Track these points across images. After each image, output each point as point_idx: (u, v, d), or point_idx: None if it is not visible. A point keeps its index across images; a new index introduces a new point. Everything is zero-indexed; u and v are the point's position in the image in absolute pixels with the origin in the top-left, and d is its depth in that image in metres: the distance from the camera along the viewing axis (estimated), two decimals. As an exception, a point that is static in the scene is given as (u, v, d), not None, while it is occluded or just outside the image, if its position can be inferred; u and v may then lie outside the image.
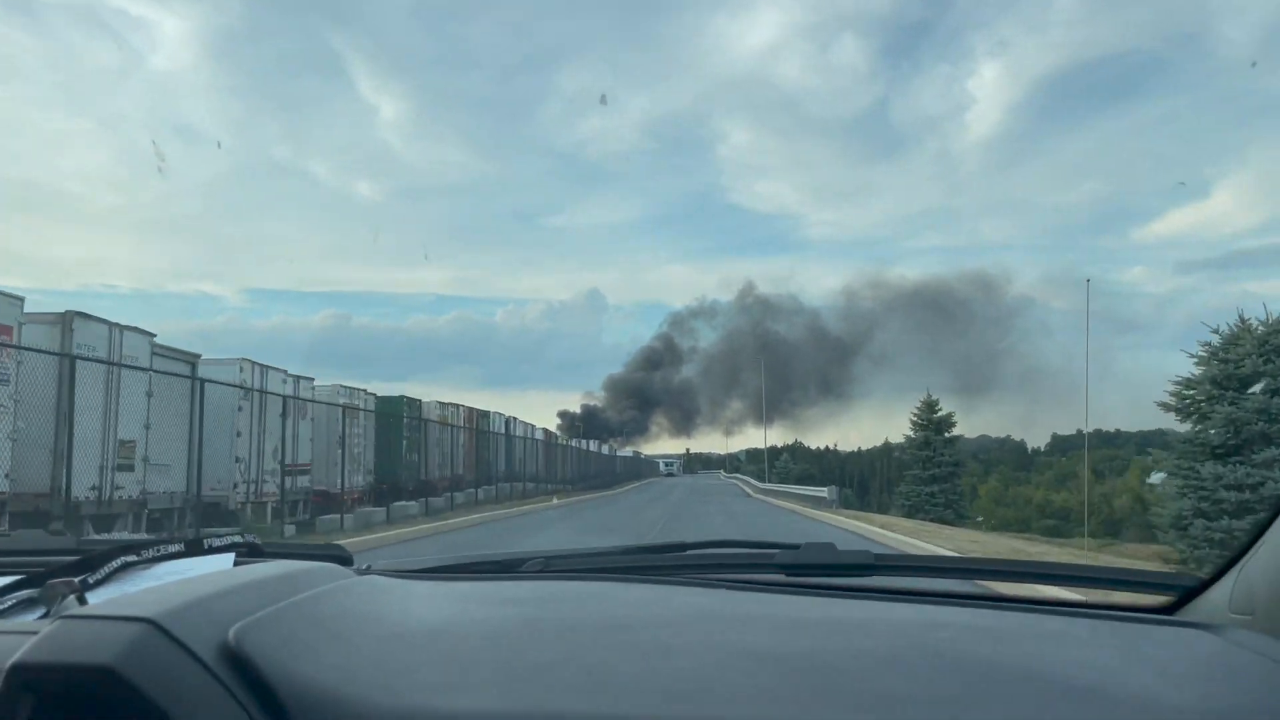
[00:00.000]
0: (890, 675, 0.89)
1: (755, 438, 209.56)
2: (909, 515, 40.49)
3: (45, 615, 1.00)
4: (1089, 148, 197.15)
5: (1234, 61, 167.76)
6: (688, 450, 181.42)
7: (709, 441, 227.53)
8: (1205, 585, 1.27)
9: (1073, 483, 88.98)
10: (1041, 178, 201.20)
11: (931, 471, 46.94)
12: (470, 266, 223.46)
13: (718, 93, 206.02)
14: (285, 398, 21.33)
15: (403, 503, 27.38)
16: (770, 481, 64.16)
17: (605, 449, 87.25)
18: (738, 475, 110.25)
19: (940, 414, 48.77)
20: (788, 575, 1.39)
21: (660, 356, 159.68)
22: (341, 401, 25.28)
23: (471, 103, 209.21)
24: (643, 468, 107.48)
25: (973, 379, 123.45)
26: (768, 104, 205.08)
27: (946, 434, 48.36)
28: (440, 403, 34.81)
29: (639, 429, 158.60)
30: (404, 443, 30.37)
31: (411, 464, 30.93)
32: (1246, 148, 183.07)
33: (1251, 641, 1.02)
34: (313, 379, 23.93)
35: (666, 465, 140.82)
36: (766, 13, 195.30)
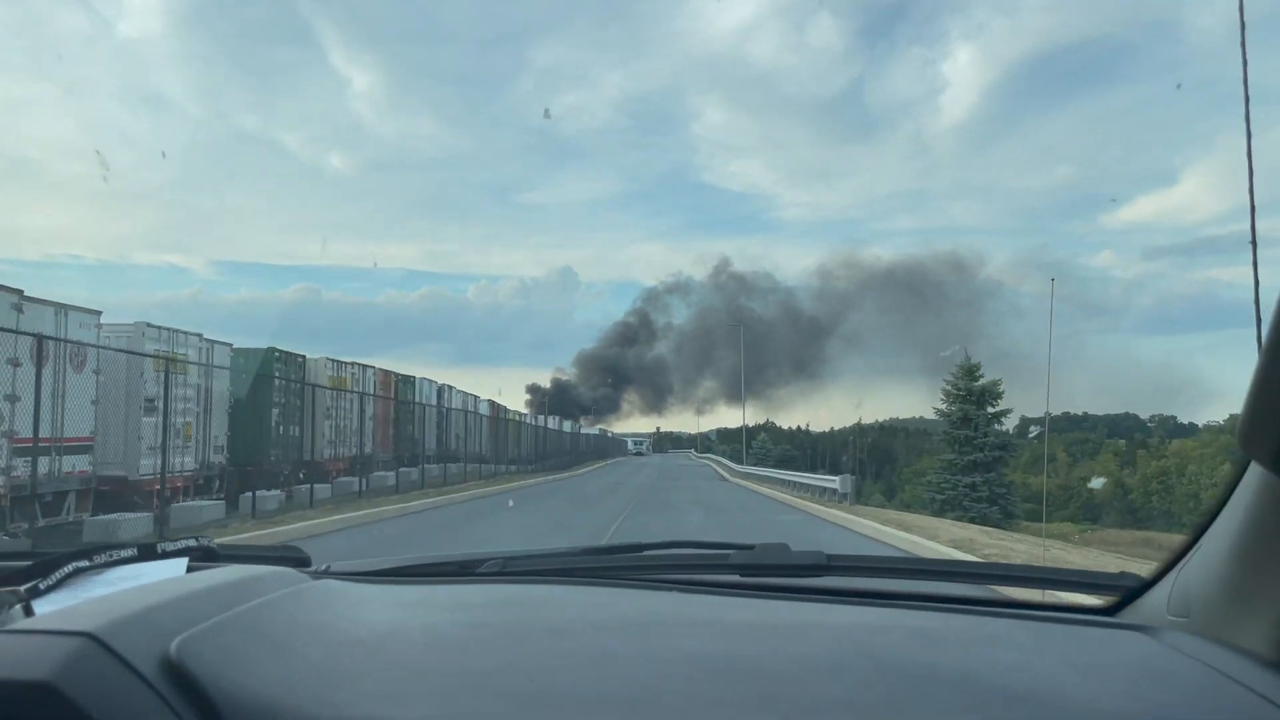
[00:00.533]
0: (831, 681, 0.91)
1: (727, 417, 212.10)
2: (942, 512, 32.99)
3: None
4: (1060, 132, 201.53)
5: (1203, 49, 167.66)
6: (658, 429, 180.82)
7: (680, 421, 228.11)
8: (1147, 586, 1.28)
9: (1050, 466, 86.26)
10: (1013, 161, 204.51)
11: (971, 457, 36.53)
12: (443, 241, 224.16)
13: (693, 71, 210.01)
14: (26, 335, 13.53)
15: (266, 492, 19.79)
16: (748, 463, 57.03)
17: (572, 427, 79.88)
18: (710, 455, 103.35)
19: (982, 381, 37.59)
20: (742, 576, 1.40)
21: (634, 333, 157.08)
22: (152, 350, 17.48)
23: (445, 76, 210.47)
24: (610, 447, 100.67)
25: (944, 360, 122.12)
26: (742, 83, 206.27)
27: (990, 408, 37.38)
28: (334, 360, 27.08)
29: (610, 407, 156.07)
30: (275, 412, 22.68)
31: (288, 440, 23.26)
32: (1214, 136, 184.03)
33: (1187, 644, 1.05)
34: (98, 313, 16.13)
35: (635, 444, 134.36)
36: None
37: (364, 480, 25.64)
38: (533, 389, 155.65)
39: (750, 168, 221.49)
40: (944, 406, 38.40)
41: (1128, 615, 1.28)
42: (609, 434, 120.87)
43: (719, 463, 74.25)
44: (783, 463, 63.99)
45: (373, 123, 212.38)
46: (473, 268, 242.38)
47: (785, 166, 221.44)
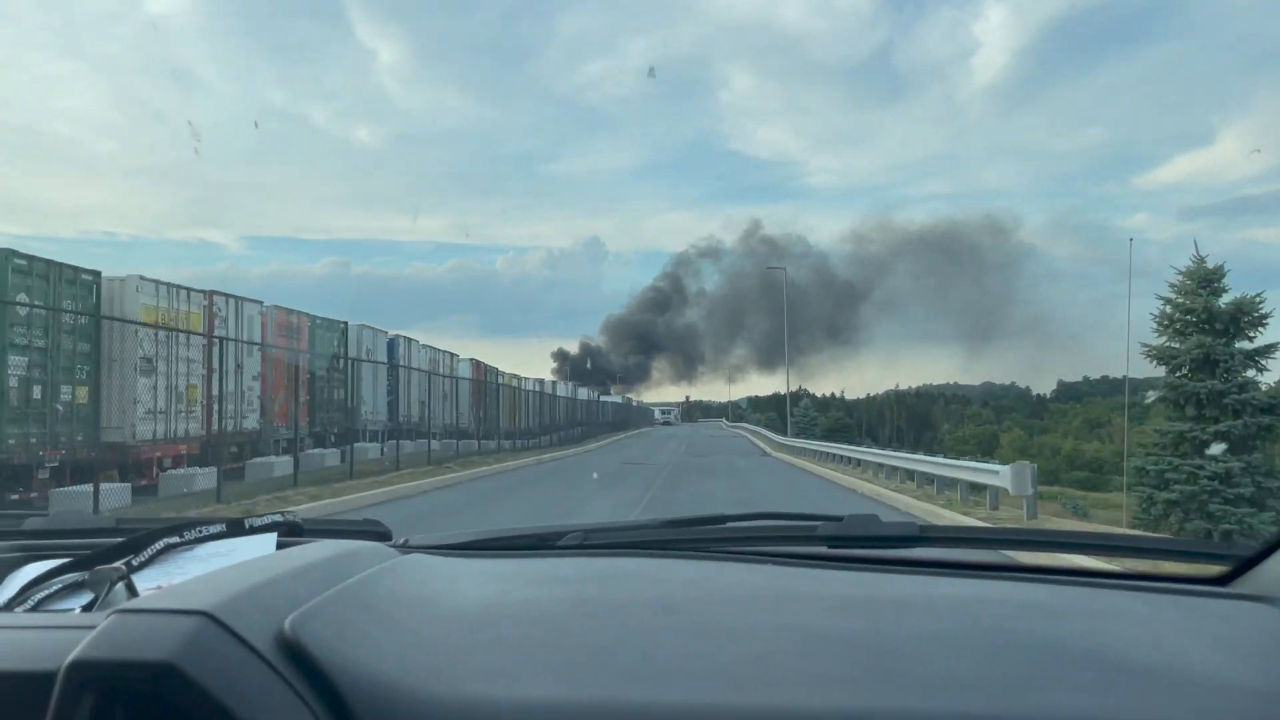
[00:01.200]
0: (949, 655, 0.88)
1: (759, 384, 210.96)
2: (1163, 523, 21.10)
3: (93, 602, 1.00)
4: (1093, 94, 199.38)
5: (1240, 7, 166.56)
6: (687, 398, 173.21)
7: (710, 389, 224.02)
8: (1261, 556, 1.21)
9: (1103, 431, 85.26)
10: (1045, 124, 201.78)
11: (1220, 426, 21.59)
12: (469, 214, 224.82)
13: (719, 38, 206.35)
14: None
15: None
16: (791, 434, 47.21)
17: (590, 395, 70.64)
18: (744, 424, 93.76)
19: (1228, 297, 22.57)
20: (830, 548, 1.35)
21: (665, 298, 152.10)
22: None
23: (470, 47, 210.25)
24: (634, 416, 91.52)
25: (978, 325, 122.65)
26: (769, 49, 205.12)
27: (1250, 338, 22.42)
28: (162, 284, 16.66)
29: (640, 375, 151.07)
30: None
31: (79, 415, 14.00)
32: (1251, 94, 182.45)
33: None
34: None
35: (664, 413, 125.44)
36: None
37: (242, 467, 17.17)
38: (559, 355, 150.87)
39: (778, 134, 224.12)
40: (1164, 340, 23.35)
41: (1242, 585, 1.19)
42: (634, 402, 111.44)
43: (756, 433, 64.77)
44: (833, 433, 54.53)
45: (399, 96, 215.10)
46: (501, 239, 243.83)
47: (814, 133, 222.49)
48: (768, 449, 42.53)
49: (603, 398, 78.73)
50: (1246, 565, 1.22)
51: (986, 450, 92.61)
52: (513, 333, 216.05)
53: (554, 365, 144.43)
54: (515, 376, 47.19)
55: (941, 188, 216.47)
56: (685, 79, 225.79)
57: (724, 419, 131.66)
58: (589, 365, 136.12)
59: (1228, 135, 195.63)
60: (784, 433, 50.63)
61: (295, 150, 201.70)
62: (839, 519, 1.43)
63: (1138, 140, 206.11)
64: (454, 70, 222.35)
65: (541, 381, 52.62)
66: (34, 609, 1.02)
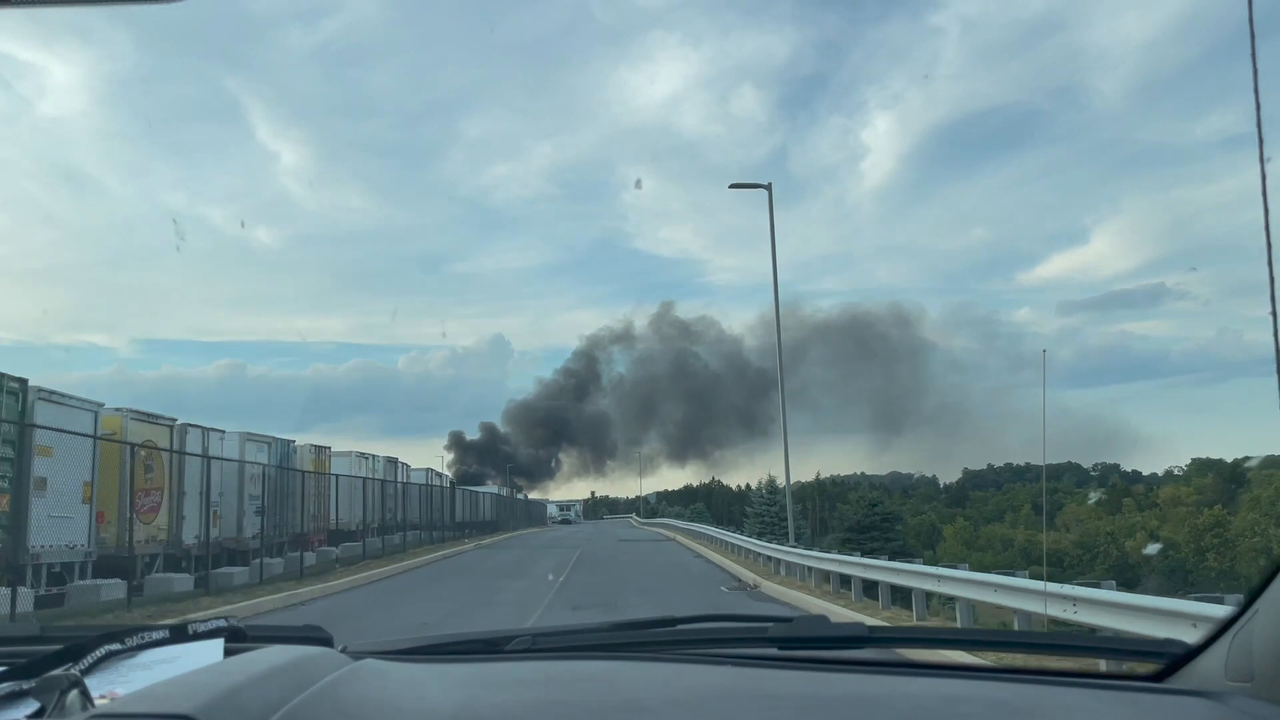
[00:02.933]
0: None
1: (669, 478, 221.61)
2: None
3: (40, 711, 0.95)
4: (976, 196, 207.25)
5: (1106, 114, 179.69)
6: (592, 493, 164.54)
7: (619, 485, 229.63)
8: (1196, 651, 1.27)
9: (1056, 519, 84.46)
10: (932, 224, 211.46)
11: None
12: (373, 313, 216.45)
13: (621, 141, 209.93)
14: None
15: None
16: (797, 541, 26.10)
17: (446, 482, 51.66)
18: (660, 521, 75.78)
19: None
20: (780, 650, 1.36)
21: (577, 381, 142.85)
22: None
23: (374, 149, 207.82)
24: (519, 513, 72.51)
25: (885, 415, 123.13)
26: (669, 152, 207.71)
27: None
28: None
29: (545, 469, 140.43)
30: None
31: None
32: (1120, 196, 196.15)
33: (1256, 709, 1.04)
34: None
35: (562, 510, 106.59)
36: (668, 65, 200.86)
37: None
38: (455, 441, 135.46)
39: (680, 234, 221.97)
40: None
41: (1178, 681, 1.26)
42: (522, 496, 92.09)
43: (691, 534, 45.26)
44: (850, 542, 37.14)
45: (301, 197, 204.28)
46: (404, 339, 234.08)
47: (714, 232, 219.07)
48: (742, 570, 23.85)
49: (476, 489, 59.79)
50: (1179, 662, 1.26)
51: (928, 543, 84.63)
52: (416, 432, 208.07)
53: (448, 456, 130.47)
54: (317, 449, 28.94)
55: (837, 285, 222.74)
56: (589, 180, 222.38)
57: (634, 515, 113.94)
58: (489, 458, 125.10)
59: (1100, 234, 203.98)
60: (773, 535, 33.17)
61: (191, 251, 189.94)
62: (789, 620, 1.41)
63: (1018, 239, 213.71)
64: (357, 172, 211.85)
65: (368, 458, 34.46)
66: None
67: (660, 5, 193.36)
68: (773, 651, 1.34)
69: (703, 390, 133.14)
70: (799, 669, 1.23)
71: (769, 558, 23.41)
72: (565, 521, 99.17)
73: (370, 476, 33.38)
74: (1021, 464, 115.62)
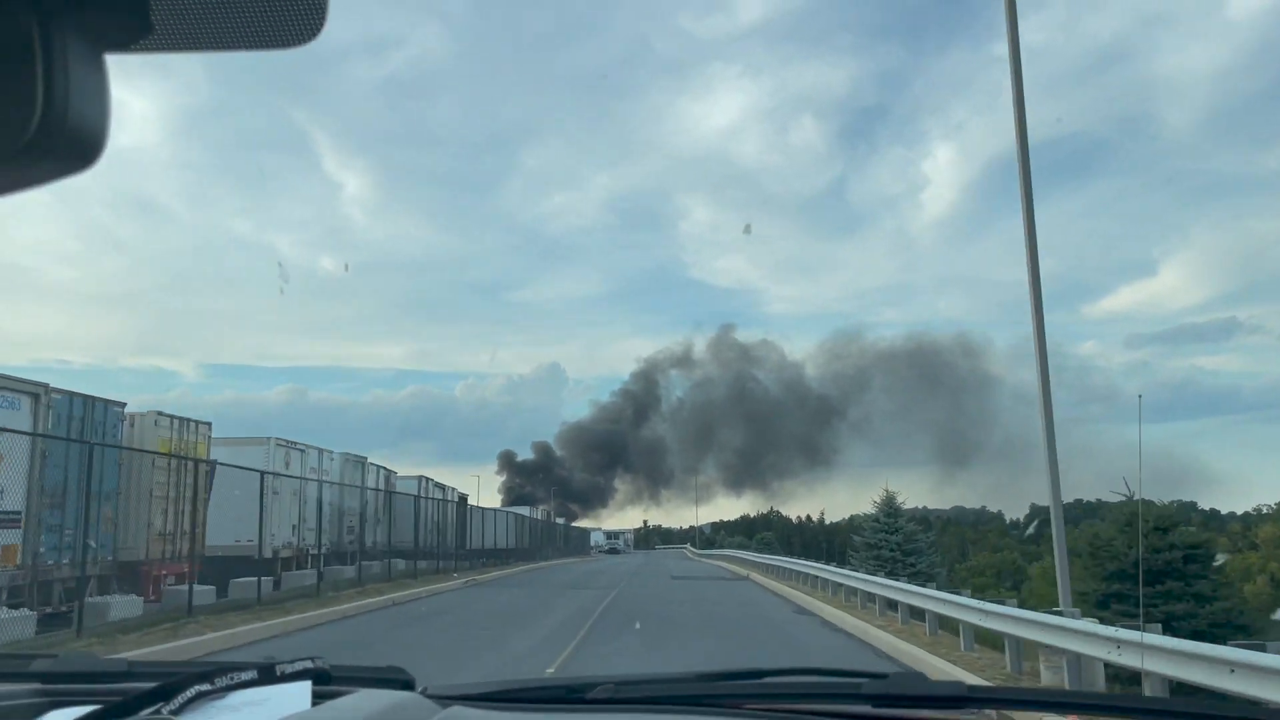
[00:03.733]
0: None
1: (724, 508, 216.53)
2: None
3: None
4: (1040, 226, 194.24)
5: (1175, 144, 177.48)
6: (645, 523, 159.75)
7: (672, 515, 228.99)
8: None
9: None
10: (994, 255, 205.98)
11: None
12: (430, 340, 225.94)
13: (679, 171, 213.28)
14: None
15: None
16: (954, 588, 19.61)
17: (454, 497, 43.57)
18: (721, 552, 67.17)
19: None
20: (875, 707, 1.33)
21: (635, 403, 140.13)
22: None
23: (435, 179, 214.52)
24: (558, 541, 64.62)
25: (951, 447, 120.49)
26: (728, 182, 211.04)
27: None
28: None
29: (598, 496, 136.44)
30: None
31: None
32: (1190, 227, 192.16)
33: None
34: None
35: (609, 538, 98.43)
36: (728, 96, 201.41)
37: None
38: (504, 459, 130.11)
39: (737, 264, 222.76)
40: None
41: None
42: (563, 522, 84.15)
43: (780, 573, 34.45)
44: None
45: (363, 225, 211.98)
46: (460, 366, 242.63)
47: (771, 262, 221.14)
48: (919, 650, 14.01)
49: (499, 509, 52.14)
50: None
51: (1011, 583, 77.66)
52: (471, 459, 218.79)
53: (501, 478, 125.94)
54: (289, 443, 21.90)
55: (897, 316, 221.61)
56: (646, 210, 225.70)
57: (689, 545, 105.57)
58: (537, 475, 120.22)
59: (1169, 266, 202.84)
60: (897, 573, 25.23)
61: (257, 278, 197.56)
62: (884, 676, 1.37)
63: (1084, 271, 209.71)
64: (418, 201, 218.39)
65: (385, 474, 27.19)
66: None
67: (720, 37, 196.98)
68: (866, 709, 1.29)
69: (763, 417, 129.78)
70: None
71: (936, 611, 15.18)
72: (613, 551, 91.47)
73: (311, 478, 24.21)
74: (1093, 500, 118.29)
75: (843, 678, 1.43)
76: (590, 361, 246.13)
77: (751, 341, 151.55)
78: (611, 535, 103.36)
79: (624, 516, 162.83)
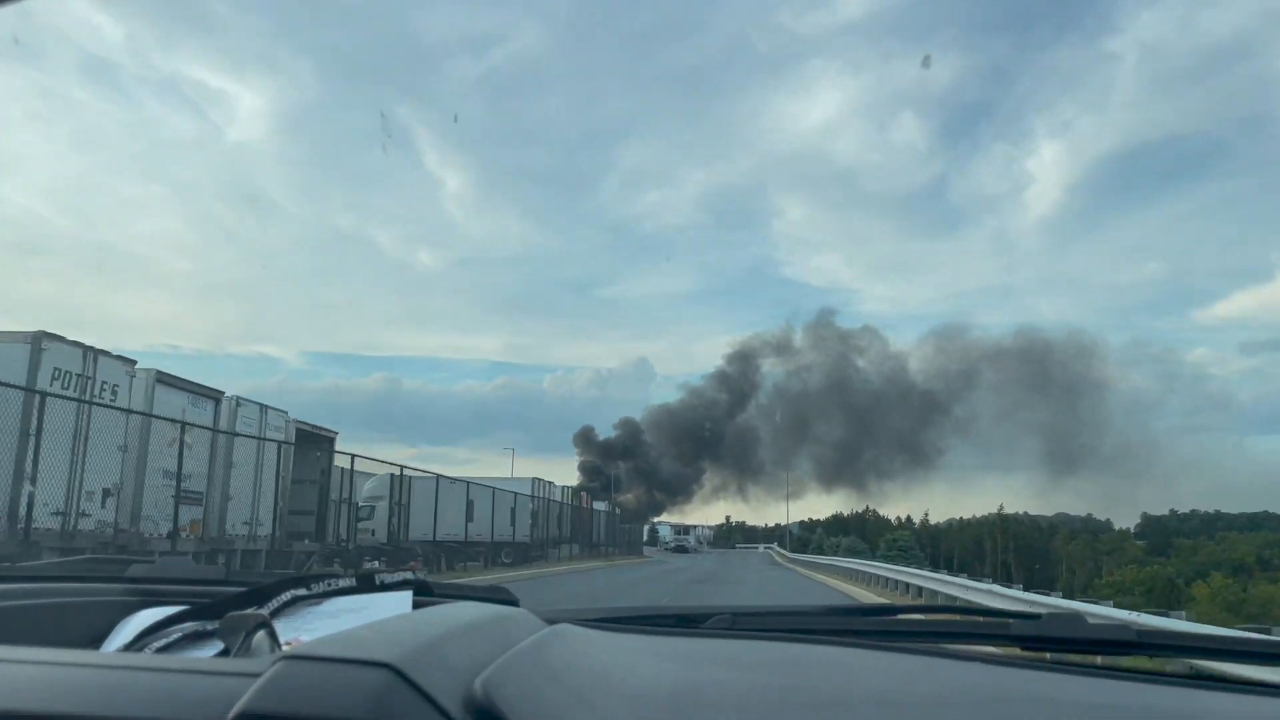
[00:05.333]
0: None
1: (815, 506, 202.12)
2: None
3: (225, 651, 0.93)
4: (1149, 228, 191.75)
5: None
6: (727, 519, 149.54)
7: (760, 511, 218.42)
8: None
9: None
10: (1100, 257, 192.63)
11: None
12: (522, 334, 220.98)
13: (774, 168, 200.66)
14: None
15: None
16: None
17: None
18: (831, 560, 47.71)
19: None
20: (1025, 650, 1.20)
21: (730, 386, 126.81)
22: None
23: (532, 176, 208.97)
24: (606, 534, 47.02)
25: (1057, 452, 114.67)
26: (824, 180, 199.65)
27: None
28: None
29: (682, 487, 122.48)
30: None
31: None
32: None
33: None
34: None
35: (678, 535, 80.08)
36: (826, 92, 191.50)
37: None
38: (583, 438, 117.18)
39: (831, 262, 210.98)
40: None
41: None
42: (609, 511, 65.22)
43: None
44: None
45: (462, 222, 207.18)
46: (551, 359, 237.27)
47: (867, 261, 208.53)
48: None
49: (487, 484, 35.38)
50: None
51: (1164, 601, 66.47)
52: (558, 451, 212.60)
53: (578, 455, 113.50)
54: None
55: (995, 318, 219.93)
56: (740, 208, 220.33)
57: (775, 546, 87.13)
58: (623, 456, 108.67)
59: None
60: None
61: (359, 271, 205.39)
62: (1036, 617, 1.25)
63: (1195, 274, 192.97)
64: (516, 198, 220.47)
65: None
66: None
67: (820, 33, 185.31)
68: (1016, 651, 1.17)
69: (863, 410, 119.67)
70: (1049, 671, 1.03)
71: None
72: (680, 549, 73.67)
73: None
74: (1210, 511, 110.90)
75: (988, 616, 1.32)
76: (679, 358, 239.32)
77: (853, 329, 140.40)
78: (681, 530, 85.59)
79: (709, 511, 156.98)
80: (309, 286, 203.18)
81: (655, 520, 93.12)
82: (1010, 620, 1.23)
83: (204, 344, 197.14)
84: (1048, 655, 1.15)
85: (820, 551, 64.67)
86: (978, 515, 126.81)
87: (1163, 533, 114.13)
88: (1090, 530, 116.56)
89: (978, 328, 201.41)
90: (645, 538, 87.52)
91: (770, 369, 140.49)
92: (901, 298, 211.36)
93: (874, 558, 49.61)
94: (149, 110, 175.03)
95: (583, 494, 46.68)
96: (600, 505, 50.71)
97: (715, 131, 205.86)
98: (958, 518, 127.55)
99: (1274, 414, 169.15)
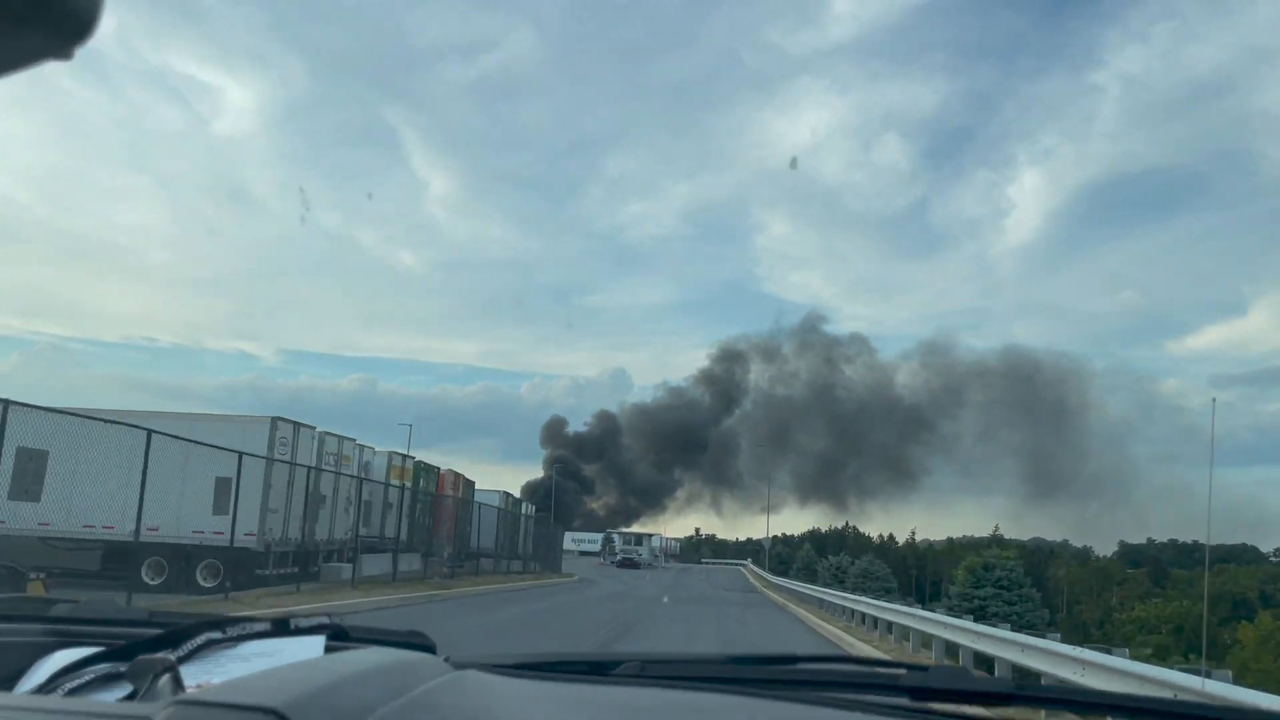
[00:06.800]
0: None
1: (790, 521, 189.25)
2: None
3: (133, 695, 0.95)
4: (1126, 258, 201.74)
5: (1274, 181, 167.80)
6: (697, 530, 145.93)
7: (729, 525, 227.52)
8: None
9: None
10: (1077, 285, 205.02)
11: None
12: (501, 340, 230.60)
13: (758, 184, 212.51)
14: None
15: None
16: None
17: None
18: (833, 592, 32.92)
19: None
20: (912, 700, 1.24)
21: (716, 384, 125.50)
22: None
23: (518, 182, 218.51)
24: (519, 548, 31.93)
25: (1035, 477, 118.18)
26: (807, 197, 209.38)
27: None
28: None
29: (654, 497, 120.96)
30: None
31: None
32: None
33: None
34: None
35: (626, 546, 65.84)
36: (813, 111, 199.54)
37: None
38: (551, 431, 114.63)
39: (811, 279, 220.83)
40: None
41: None
42: (505, 507, 48.96)
43: None
44: None
45: (446, 224, 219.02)
46: (530, 366, 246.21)
47: (847, 279, 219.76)
48: None
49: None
50: None
51: (1199, 646, 56.72)
52: (532, 459, 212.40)
53: (544, 449, 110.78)
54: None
55: (972, 341, 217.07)
56: (723, 222, 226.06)
57: (749, 562, 72.92)
58: (595, 454, 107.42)
59: (1261, 306, 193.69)
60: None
61: (340, 270, 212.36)
62: (924, 668, 1.31)
63: (1170, 306, 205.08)
64: (501, 203, 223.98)
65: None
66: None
67: (809, 52, 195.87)
68: (904, 702, 1.21)
69: (847, 421, 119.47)
70: None
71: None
72: (628, 562, 58.95)
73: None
74: (1189, 541, 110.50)
75: (883, 666, 1.39)
76: (658, 369, 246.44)
77: (840, 335, 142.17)
78: (631, 540, 70.59)
79: (684, 522, 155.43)
80: (290, 284, 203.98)
81: (614, 530, 79.21)
82: (901, 672, 1.26)
83: (181, 338, 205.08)
84: (934, 706, 1.18)
85: (809, 574, 50.04)
86: (957, 537, 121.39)
87: (1138, 562, 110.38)
88: (1075, 557, 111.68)
89: (961, 347, 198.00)
90: (599, 547, 73.61)
91: (756, 374, 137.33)
92: (879, 317, 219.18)
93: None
94: (135, 101, 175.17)
95: (453, 475, 31.74)
96: (490, 494, 35.80)
97: (701, 145, 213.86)
98: (946, 537, 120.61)
99: (1241, 449, 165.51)
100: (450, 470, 31.52)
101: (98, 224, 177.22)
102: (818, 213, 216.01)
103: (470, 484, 34.92)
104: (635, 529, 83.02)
